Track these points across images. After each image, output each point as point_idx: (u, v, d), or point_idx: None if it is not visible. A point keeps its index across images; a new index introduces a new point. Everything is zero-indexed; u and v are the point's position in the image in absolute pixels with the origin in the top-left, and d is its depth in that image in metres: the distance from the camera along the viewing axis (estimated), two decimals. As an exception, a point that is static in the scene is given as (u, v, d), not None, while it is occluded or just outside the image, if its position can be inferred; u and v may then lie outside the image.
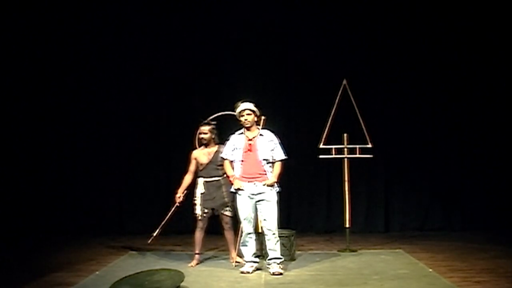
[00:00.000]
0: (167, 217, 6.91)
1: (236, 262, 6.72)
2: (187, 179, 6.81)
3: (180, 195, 6.78)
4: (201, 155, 6.78)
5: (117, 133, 9.27)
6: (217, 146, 6.78)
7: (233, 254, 6.79)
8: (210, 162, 6.73)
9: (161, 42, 9.28)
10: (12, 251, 7.90)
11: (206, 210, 6.72)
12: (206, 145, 6.77)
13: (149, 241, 7.01)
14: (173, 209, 6.87)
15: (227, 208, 6.73)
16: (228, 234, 6.77)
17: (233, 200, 6.62)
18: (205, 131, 6.75)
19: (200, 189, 6.76)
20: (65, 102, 9.26)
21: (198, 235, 6.78)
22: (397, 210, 9.26)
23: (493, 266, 6.52)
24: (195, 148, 6.85)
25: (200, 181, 6.78)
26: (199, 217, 6.74)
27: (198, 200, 6.75)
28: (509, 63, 9.01)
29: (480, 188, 9.15)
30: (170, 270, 6.09)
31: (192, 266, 6.70)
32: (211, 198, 6.71)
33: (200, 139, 6.78)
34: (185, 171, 6.83)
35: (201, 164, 6.75)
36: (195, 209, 6.76)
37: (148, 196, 9.09)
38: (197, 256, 6.81)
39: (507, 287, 5.65)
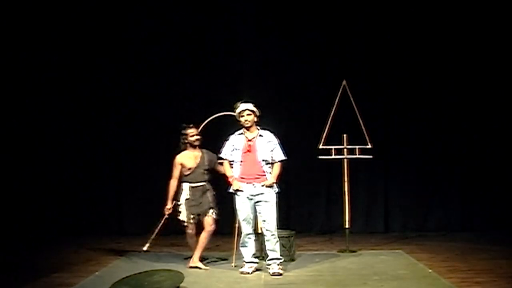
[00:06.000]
0: (157, 229, 6.75)
1: (195, 267, 6.57)
2: (174, 187, 6.61)
3: (170, 206, 6.60)
4: (187, 159, 6.62)
5: (117, 134, 9.28)
6: (201, 150, 6.68)
7: (196, 258, 6.63)
8: (198, 166, 6.60)
9: (161, 43, 9.26)
10: (12, 251, 7.90)
11: (192, 216, 6.58)
12: (194, 148, 6.64)
13: (144, 249, 6.85)
14: (162, 221, 6.70)
15: (212, 210, 6.63)
16: (205, 238, 6.59)
17: (218, 203, 6.54)
18: (197, 133, 6.66)
19: (185, 194, 6.59)
20: (65, 103, 9.25)
21: (191, 240, 6.65)
22: (397, 211, 9.26)
23: (493, 267, 6.53)
24: (178, 153, 6.66)
25: (186, 186, 6.61)
26: (186, 224, 6.60)
27: (183, 206, 6.59)
28: (509, 63, 9.00)
29: (480, 188, 9.15)
30: (169, 270, 6.09)
31: (190, 267, 6.63)
32: (197, 204, 6.58)
33: (192, 142, 6.62)
34: (169, 178, 6.63)
35: (189, 169, 6.59)
36: (180, 215, 6.59)
37: (147, 196, 9.04)
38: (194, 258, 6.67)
39: (507, 287, 5.67)
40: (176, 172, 6.62)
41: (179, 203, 6.63)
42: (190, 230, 6.62)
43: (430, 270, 6.36)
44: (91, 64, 9.23)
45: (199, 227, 6.69)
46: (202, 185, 6.63)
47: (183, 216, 6.59)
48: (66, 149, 9.25)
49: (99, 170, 9.26)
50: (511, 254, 7.18)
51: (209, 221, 6.63)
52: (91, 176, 9.25)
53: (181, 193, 6.63)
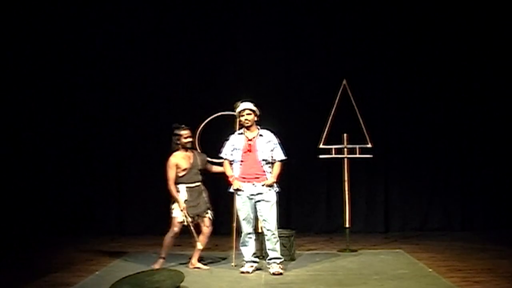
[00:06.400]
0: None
1: (195, 267, 6.58)
2: (175, 188, 6.49)
3: (184, 205, 6.45)
4: (181, 159, 6.53)
5: (117, 133, 9.28)
6: (192, 150, 6.61)
7: (195, 260, 6.63)
8: (192, 167, 6.52)
9: (161, 44, 9.26)
10: (12, 251, 7.90)
11: (191, 217, 6.48)
12: (185, 149, 6.55)
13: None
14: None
15: (209, 211, 6.61)
16: (203, 240, 6.57)
17: (216, 203, 6.52)
18: (190, 134, 6.58)
19: (183, 196, 6.49)
20: (64, 103, 9.26)
21: (171, 240, 6.51)
22: (397, 210, 9.26)
23: (493, 266, 6.53)
24: (170, 154, 6.56)
25: (182, 187, 6.51)
26: (182, 225, 6.47)
27: (181, 208, 6.47)
28: (509, 63, 9.01)
29: (480, 188, 9.15)
30: (170, 270, 6.10)
31: (155, 267, 6.47)
32: (194, 205, 6.51)
33: (185, 144, 6.53)
34: (165, 180, 6.50)
35: (184, 170, 6.49)
36: (177, 213, 6.46)
37: (148, 196, 9.08)
38: (161, 260, 6.53)
39: (507, 287, 5.65)
40: (173, 173, 6.50)
41: (173, 204, 6.53)
42: (177, 228, 6.50)
43: (430, 270, 6.36)
44: (90, 63, 9.23)
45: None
46: (197, 186, 6.58)
47: (181, 217, 6.49)
48: (66, 149, 9.24)
49: (99, 170, 9.25)
50: (511, 254, 7.18)
51: (206, 222, 6.60)
52: (91, 176, 9.24)
53: (178, 194, 6.52)
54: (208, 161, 6.77)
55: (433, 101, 9.20)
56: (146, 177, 9.16)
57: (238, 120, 6.63)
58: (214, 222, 6.70)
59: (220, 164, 6.68)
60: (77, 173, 9.25)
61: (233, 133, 6.59)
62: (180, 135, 6.55)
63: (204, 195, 6.62)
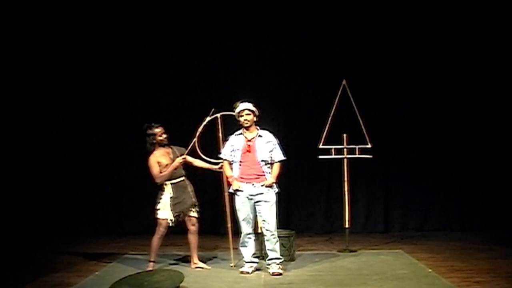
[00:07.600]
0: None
1: (198, 267, 6.60)
2: (163, 173, 6.45)
3: (182, 158, 6.45)
4: (161, 157, 6.50)
5: (117, 133, 9.28)
6: (170, 146, 6.59)
7: (195, 259, 6.65)
8: (173, 162, 6.48)
9: (161, 44, 9.25)
10: (12, 251, 7.91)
11: (176, 214, 6.47)
12: (163, 146, 6.54)
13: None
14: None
15: (194, 209, 6.58)
16: (194, 239, 6.59)
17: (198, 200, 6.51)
18: (164, 131, 6.54)
19: (168, 193, 6.48)
20: (64, 103, 9.26)
21: (158, 242, 6.48)
22: (397, 210, 9.26)
23: (493, 266, 6.53)
24: (149, 154, 6.55)
25: (167, 184, 6.50)
26: (170, 224, 6.47)
27: (168, 206, 6.46)
28: (509, 63, 9.00)
29: (480, 188, 9.15)
30: (169, 270, 6.12)
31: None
32: (180, 201, 6.48)
33: (161, 141, 6.51)
34: (153, 179, 6.48)
35: (165, 166, 6.45)
36: (163, 214, 6.45)
37: (148, 196, 9.04)
38: (152, 263, 6.50)
39: (507, 287, 5.65)
40: (157, 169, 6.45)
41: (159, 202, 6.50)
42: (164, 230, 6.48)
43: (430, 270, 6.37)
44: (90, 63, 9.23)
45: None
46: (181, 180, 6.54)
47: (168, 215, 6.46)
48: (65, 149, 9.25)
49: (99, 170, 9.26)
50: (511, 253, 7.19)
51: (193, 221, 6.58)
52: (91, 176, 9.25)
53: (163, 193, 6.51)
54: (206, 161, 6.75)
55: (433, 101, 9.20)
56: (146, 177, 9.12)
57: (219, 121, 6.68)
58: (200, 220, 6.68)
59: (218, 164, 6.68)
60: (77, 173, 9.25)
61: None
62: (155, 134, 6.53)
63: (190, 189, 6.58)
